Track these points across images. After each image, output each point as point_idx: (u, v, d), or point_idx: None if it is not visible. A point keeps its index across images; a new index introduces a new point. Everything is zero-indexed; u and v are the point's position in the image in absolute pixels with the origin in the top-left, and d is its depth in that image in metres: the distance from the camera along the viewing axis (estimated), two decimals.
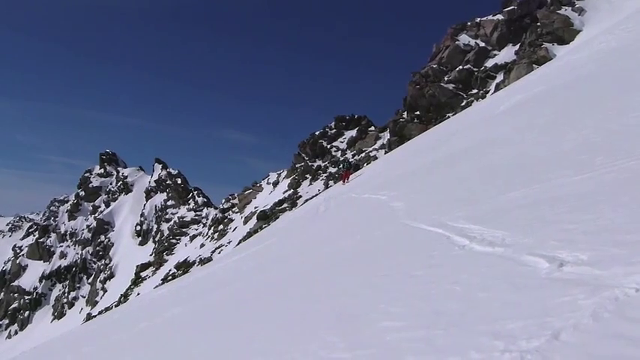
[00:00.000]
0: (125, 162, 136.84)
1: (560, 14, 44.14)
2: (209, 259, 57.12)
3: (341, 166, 37.36)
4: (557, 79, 23.13)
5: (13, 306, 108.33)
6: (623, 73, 16.54)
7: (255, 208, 73.64)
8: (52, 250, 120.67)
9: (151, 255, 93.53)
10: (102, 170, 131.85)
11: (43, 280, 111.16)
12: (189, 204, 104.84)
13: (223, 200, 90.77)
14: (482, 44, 52.69)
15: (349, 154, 71.54)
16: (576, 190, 6.10)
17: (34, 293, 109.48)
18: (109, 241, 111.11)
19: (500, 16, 53.01)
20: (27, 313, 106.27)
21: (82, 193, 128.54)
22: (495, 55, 51.27)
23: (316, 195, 49.38)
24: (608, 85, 15.51)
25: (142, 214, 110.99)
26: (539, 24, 45.35)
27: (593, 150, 8.04)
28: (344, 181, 33.19)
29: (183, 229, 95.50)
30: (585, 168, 7.00)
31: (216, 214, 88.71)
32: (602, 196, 5.42)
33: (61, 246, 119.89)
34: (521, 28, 49.24)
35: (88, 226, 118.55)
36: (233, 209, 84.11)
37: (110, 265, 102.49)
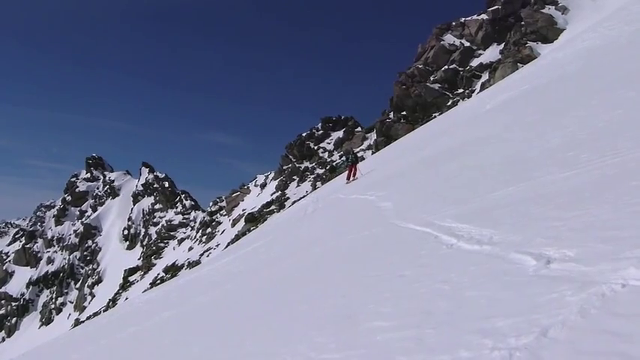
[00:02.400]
0: (112, 166, 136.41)
1: (544, 13, 44.45)
2: (198, 263, 56.97)
3: (345, 158, 28.68)
4: (542, 78, 23.27)
5: (0, 313, 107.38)
6: (607, 70, 16.67)
7: (243, 210, 73.62)
8: (39, 255, 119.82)
9: (139, 259, 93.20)
10: (88, 175, 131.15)
11: (31, 286, 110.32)
12: (176, 207, 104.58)
13: (211, 203, 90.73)
14: (467, 44, 52.95)
15: (336, 155, 71.60)
16: (562, 187, 6.14)
17: (22, 299, 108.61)
18: (97, 245, 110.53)
19: (484, 16, 53.29)
20: (14, 319, 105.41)
21: (69, 198, 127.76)
22: (480, 54, 51.54)
23: (304, 196, 49.35)
24: (592, 82, 15.61)
25: (130, 218, 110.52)
26: (523, 23, 45.62)
27: (579, 147, 8.09)
28: (349, 178, 27.54)
29: (171, 233, 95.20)
30: (571, 165, 7.04)
31: (204, 217, 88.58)
32: (588, 192, 5.45)
33: (48, 251, 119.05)
34: (506, 27, 49.53)
35: (75, 231, 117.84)
36: (221, 212, 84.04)
37: (98, 270, 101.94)
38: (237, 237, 54.31)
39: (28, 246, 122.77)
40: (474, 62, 51.04)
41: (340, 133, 77.13)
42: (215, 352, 6.06)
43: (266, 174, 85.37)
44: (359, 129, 76.49)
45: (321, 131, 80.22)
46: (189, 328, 8.62)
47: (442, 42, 54.40)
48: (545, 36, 43.04)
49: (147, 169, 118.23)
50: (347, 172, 28.92)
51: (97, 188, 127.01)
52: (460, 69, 51.42)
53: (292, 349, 4.54)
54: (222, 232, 72.75)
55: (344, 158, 31.88)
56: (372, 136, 63.73)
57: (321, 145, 77.39)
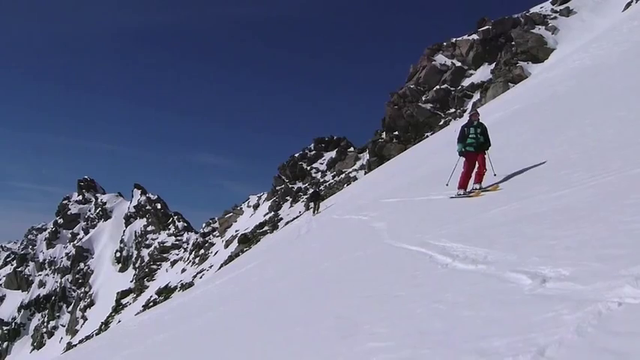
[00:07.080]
0: (104, 188, 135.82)
1: (534, 33, 44.90)
2: (191, 284, 56.61)
3: (473, 139, 12.33)
4: (534, 97, 23.43)
5: None
6: (597, 89, 16.81)
7: (236, 231, 73.36)
8: (30, 279, 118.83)
9: (131, 281, 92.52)
10: (80, 197, 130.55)
11: (22, 310, 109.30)
12: (169, 229, 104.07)
13: (204, 224, 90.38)
14: (459, 64, 53.36)
15: (329, 176, 71.62)
16: (556, 206, 6.15)
17: (13, 323, 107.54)
18: (89, 268, 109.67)
19: (475, 36, 53.79)
20: (5, 343, 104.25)
21: (61, 221, 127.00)
22: (471, 74, 51.94)
23: (297, 217, 49.24)
24: (583, 101, 15.73)
25: (122, 241, 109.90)
26: (513, 43, 46.06)
27: (571, 166, 8.13)
28: (465, 184, 11.51)
29: (164, 255, 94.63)
30: (564, 184, 7.07)
31: (196, 239, 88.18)
32: (581, 211, 5.46)
33: (40, 275, 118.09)
34: (497, 47, 49.96)
35: (66, 254, 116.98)
36: (214, 233, 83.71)
37: (90, 293, 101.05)
38: (231, 258, 54.06)
39: (19, 269, 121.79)
40: (466, 82, 51.43)
41: (333, 154, 77.29)
42: None
43: (259, 195, 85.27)
44: (351, 149, 76.70)
45: (314, 152, 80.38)
46: (183, 352, 8.54)
47: (433, 62, 54.84)
48: (536, 56, 43.45)
49: (139, 191, 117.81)
50: (463, 166, 12.23)
51: (89, 210, 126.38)
52: (452, 89, 51.78)
53: None
54: (215, 253, 72.39)
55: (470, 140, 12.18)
56: (365, 156, 63.88)
57: (314, 165, 77.48)
